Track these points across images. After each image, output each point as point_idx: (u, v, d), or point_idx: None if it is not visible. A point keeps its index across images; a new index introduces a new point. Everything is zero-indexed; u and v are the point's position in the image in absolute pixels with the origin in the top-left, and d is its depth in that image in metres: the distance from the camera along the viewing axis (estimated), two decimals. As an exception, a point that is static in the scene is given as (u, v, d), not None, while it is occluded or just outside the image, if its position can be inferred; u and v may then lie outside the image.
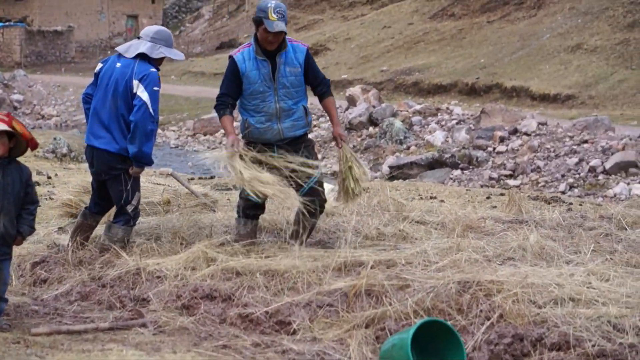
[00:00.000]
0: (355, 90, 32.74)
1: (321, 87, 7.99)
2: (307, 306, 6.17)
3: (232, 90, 7.73)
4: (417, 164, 24.84)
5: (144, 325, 6.08)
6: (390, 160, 25.90)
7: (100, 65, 7.86)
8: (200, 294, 6.48)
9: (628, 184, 20.98)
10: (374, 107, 30.81)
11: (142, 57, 7.64)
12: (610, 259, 7.33)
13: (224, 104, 7.72)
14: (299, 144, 7.90)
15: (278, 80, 7.70)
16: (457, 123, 28.80)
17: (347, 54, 49.44)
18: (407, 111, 30.68)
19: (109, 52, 55.70)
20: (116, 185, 7.67)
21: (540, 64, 37.78)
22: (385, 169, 24.95)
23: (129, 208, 7.69)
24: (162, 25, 37.94)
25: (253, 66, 7.66)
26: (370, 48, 49.51)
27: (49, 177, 14.34)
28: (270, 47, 7.64)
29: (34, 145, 6.22)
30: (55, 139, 22.88)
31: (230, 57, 7.79)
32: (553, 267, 6.92)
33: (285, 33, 7.62)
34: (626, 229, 8.66)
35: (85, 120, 8.07)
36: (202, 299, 6.44)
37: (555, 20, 42.85)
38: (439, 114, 30.42)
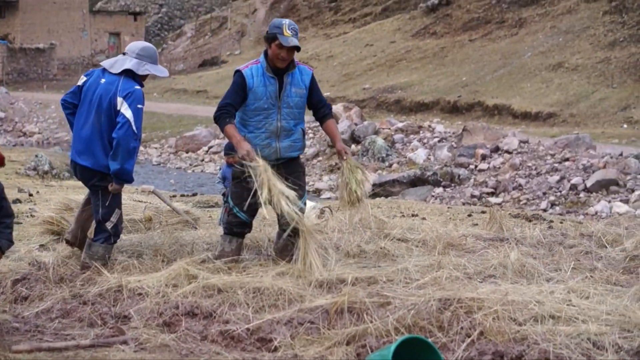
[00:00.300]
0: (338, 108, 32.79)
1: (324, 109, 8.04)
2: (288, 323, 6.17)
3: (236, 101, 7.69)
4: (399, 181, 24.88)
5: (125, 343, 6.06)
6: (373, 177, 25.92)
7: (84, 78, 7.82)
8: (182, 311, 6.47)
9: (609, 201, 21.09)
10: (356, 124, 30.89)
11: (127, 73, 7.64)
12: (591, 276, 7.36)
13: (227, 113, 7.64)
14: (292, 167, 7.91)
15: (283, 99, 7.73)
16: (439, 141, 28.91)
17: (329, 72, 49.57)
18: (390, 129, 30.78)
19: (91, 69, 55.60)
20: (94, 200, 7.67)
21: (522, 82, 38.01)
22: (367, 186, 24.93)
23: (109, 225, 7.67)
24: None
25: (261, 82, 7.68)
26: (353, 66, 49.71)
27: (31, 195, 14.30)
28: (281, 64, 7.67)
29: None
30: (37, 156, 22.87)
31: (239, 71, 7.78)
32: (533, 284, 6.94)
33: (299, 49, 7.66)
34: (606, 247, 8.68)
35: (69, 127, 8.01)
36: (183, 316, 6.42)
37: (537, 39, 43.12)
38: (421, 131, 30.54)
